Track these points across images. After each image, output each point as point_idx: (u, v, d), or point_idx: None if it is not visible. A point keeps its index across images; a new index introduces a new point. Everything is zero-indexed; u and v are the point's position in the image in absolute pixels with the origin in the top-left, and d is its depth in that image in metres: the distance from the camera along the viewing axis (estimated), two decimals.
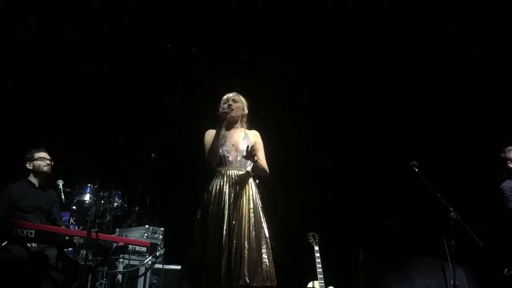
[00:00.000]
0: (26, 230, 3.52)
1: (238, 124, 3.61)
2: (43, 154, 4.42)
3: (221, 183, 3.34)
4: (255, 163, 3.43)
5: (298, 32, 5.84)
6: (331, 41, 5.85)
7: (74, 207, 5.30)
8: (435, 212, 4.50)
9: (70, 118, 5.99)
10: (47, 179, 4.48)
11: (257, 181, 3.51)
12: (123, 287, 4.24)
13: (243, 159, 3.40)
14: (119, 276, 4.49)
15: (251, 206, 3.29)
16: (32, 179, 4.39)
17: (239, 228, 3.17)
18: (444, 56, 5.71)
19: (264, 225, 3.29)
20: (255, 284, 3.07)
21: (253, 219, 3.24)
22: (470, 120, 5.78)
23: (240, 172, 3.40)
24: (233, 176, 3.36)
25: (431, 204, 4.44)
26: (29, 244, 3.88)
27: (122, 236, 4.73)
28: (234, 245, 3.11)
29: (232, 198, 3.27)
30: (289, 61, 6.08)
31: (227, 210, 3.22)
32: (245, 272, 3.05)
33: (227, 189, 3.30)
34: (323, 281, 5.11)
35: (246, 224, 3.20)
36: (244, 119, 3.65)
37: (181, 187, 5.92)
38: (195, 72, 6.05)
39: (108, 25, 5.74)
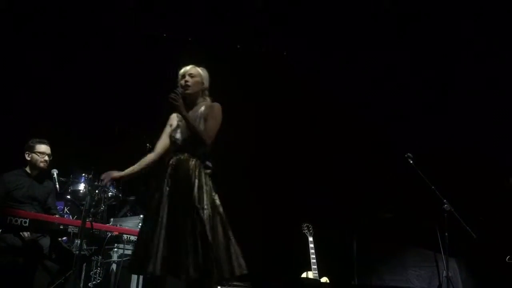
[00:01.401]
0: (20, 219, 3.51)
1: (199, 100, 3.28)
2: (43, 149, 4.35)
3: (165, 172, 3.08)
4: (192, 132, 3.08)
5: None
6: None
7: (68, 197, 5.29)
8: (429, 204, 4.52)
9: (65, 107, 5.96)
10: (44, 171, 4.46)
11: (207, 163, 3.15)
12: (117, 277, 4.25)
13: (191, 141, 3.09)
14: (114, 266, 4.50)
15: (190, 192, 2.97)
16: (28, 169, 4.37)
17: (174, 218, 2.91)
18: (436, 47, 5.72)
19: (204, 212, 2.92)
20: (185, 275, 2.80)
21: (190, 207, 2.92)
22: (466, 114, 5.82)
23: (181, 157, 3.08)
24: (174, 162, 3.08)
25: (425, 196, 4.47)
26: (22, 233, 3.87)
27: (116, 226, 4.73)
28: (167, 235, 2.86)
29: (170, 186, 3.00)
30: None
31: (164, 198, 2.97)
32: (175, 262, 2.80)
33: (168, 178, 3.04)
34: (317, 272, 5.14)
35: (182, 212, 2.91)
36: (206, 92, 3.33)
37: None
38: (188, 62, 6.01)
39: (102, 14, 5.69)
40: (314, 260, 5.21)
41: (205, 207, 2.94)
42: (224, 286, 4.56)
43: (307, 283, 5.07)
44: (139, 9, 5.73)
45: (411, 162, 4.48)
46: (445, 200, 4.38)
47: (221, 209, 3.04)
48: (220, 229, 2.94)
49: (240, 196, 5.78)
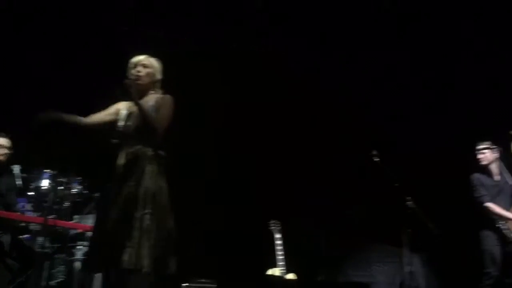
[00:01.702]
0: None
1: (150, 92, 3.18)
2: (0, 141, 4.26)
3: (118, 164, 2.99)
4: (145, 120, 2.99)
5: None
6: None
7: (31, 193, 5.15)
8: (393, 201, 4.60)
9: (29, 102, 5.80)
10: (3, 166, 4.34)
11: (160, 152, 3.05)
12: (80, 275, 4.18)
13: (143, 130, 3.00)
14: (77, 264, 4.42)
15: (138, 185, 2.88)
16: None
17: (121, 210, 2.84)
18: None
19: (148, 206, 2.84)
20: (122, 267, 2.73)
21: (136, 200, 2.84)
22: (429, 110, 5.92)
23: (134, 146, 3.00)
24: (128, 151, 2.99)
25: (390, 193, 4.55)
26: None
27: (80, 223, 4.65)
28: (112, 229, 2.80)
29: (123, 177, 2.93)
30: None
31: (116, 190, 2.92)
32: (114, 255, 2.73)
33: (121, 169, 2.96)
34: (283, 268, 5.17)
35: (128, 207, 2.82)
36: (158, 85, 3.21)
37: None
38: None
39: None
40: (281, 257, 5.25)
41: (153, 199, 2.87)
42: (189, 283, 4.56)
43: (272, 280, 5.10)
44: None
45: (376, 159, 4.56)
46: (408, 197, 4.47)
47: (168, 202, 2.98)
48: (162, 224, 2.89)
49: (207, 193, 5.79)
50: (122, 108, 3.18)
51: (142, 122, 3.01)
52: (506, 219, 4.29)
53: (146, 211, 2.82)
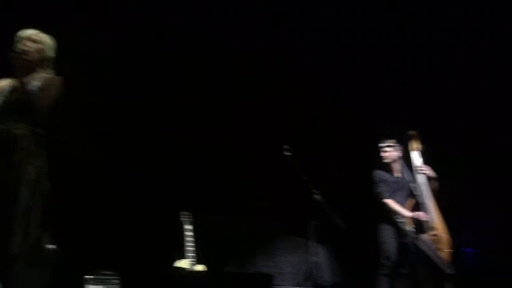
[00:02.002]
0: None
1: (39, 70, 2.98)
2: None
3: None
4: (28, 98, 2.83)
5: None
6: None
7: None
8: (302, 194, 4.73)
9: None
10: None
11: (41, 131, 2.90)
12: None
13: (23, 108, 2.82)
14: None
15: (13, 165, 2.74)
16: None
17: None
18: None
19: (25, 188, 2.72)
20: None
21: (12, 180, 2.71)
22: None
23: (11, 126, 2.81)
24: (3, 131, 2.79)
25: (299, 186, 4.67)
26: None
27: None
28: None
29: None
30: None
31: None
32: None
33: None
34: (193, 260, 5.16)
35: (4, 188, 2.68)
36: (48, 64, 3.02)
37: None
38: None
39: None
40: (191, 248, 5.24)
41: (27, 181, 2.73)
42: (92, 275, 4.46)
43: (178, 272, 5.09)
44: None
45: (287, 153, 4.65)
46: (315, 191, 4.63)
47: (47, 184, 2.85)
48: (39, 206, 2.76)
49: (116, 183, 5.63)
50: (4, 84, 2.96)
51: (23, 99, 2.83)
52: (401, 215, 4.58)
53: (23, 192, 2.68)
